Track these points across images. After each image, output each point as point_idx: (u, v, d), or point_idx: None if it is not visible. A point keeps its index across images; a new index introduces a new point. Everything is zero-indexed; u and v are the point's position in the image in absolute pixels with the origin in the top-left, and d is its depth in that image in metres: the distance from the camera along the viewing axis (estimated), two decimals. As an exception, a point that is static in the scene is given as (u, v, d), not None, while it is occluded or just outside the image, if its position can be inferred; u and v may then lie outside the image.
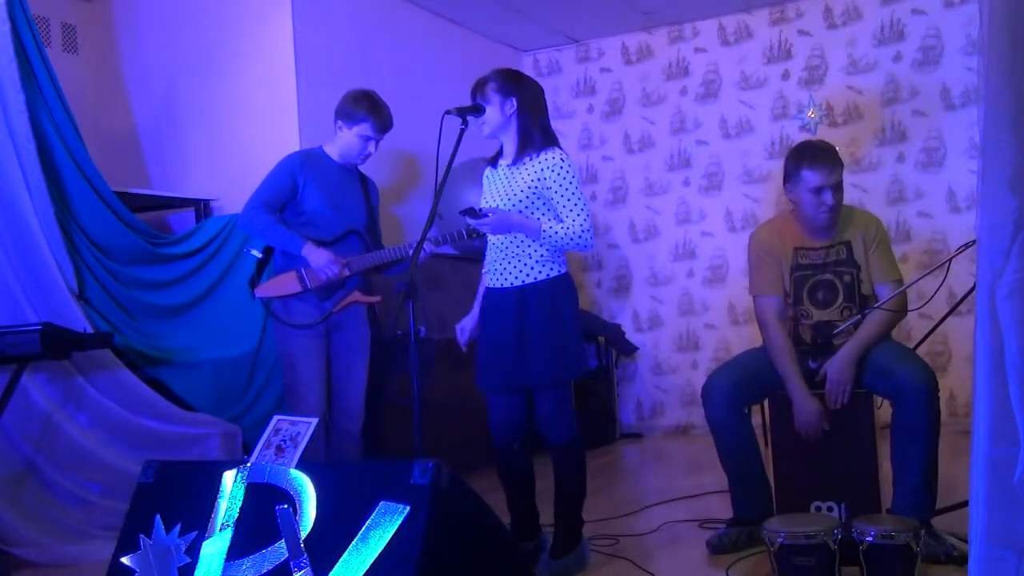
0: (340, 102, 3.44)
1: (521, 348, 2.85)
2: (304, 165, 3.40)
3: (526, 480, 3.04)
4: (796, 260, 3.12)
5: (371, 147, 3.43)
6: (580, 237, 2.83)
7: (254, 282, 3.44)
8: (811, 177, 2.99)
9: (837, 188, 3.01)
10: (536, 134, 2.90)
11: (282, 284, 3.38)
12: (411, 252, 3.28)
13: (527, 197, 2.86)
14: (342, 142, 3.44)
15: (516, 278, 2.90)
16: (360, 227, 3.48)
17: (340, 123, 3.42)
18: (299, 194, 3.39)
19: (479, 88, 2.91)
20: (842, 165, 3.05)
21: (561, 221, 2.85)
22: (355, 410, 3.46)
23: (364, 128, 3.38)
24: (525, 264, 2.89)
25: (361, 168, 3.57)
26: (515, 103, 2.87)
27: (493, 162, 3.04)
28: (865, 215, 3.19)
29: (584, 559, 2.97)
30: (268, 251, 3.48)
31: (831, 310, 3.07)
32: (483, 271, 3.06)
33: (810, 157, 3.02)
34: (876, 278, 3.06)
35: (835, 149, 3.10)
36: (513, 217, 2.83)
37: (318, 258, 3.30)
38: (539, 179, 2.85)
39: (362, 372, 3.49)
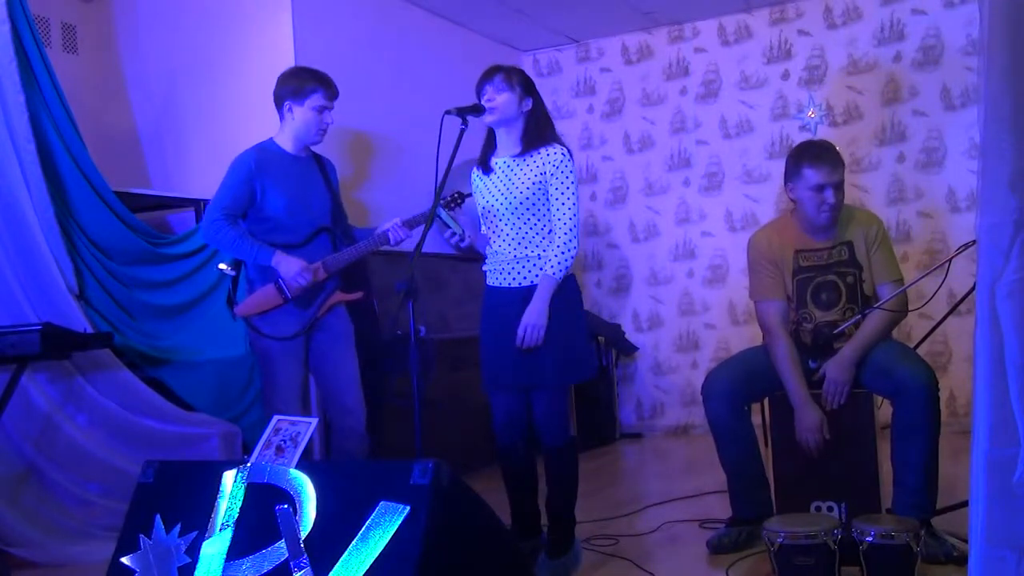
0: (279, 86, 3.32)
1: (529, 348, 2.85)
2: (260, 166, 3.24)
3: (529, 480, 3.04)
4: (797, 263, 3.11)
5: (328, 117, 3.32)
6: (570, 251, 2.85)
7: (231, 300, 3.30)
8: (812, 175, 2.99)
9: (838, 187, 3.00)
10: (548, 132, 2.96)
11: (263, 300, 3.24)
12: (380, 242, 3.25)
13: (533, 194, 2.87)
14: (296, 124, 3.30)
15: (524, 278, 2.90)
16: (328, 221, 3.37)
17: (288, 104, 3.28)
18: (259, 199, 3.25)
19: (504, 73, 2.89)
20: (843, 164, 3.04)
21: (550, 217, 2.88)
22: (355, 407, 3.36)
23: (317, 99, 3.27)
24: (535, 264, 2.89)
25: (315, 149, 3.45)
26: (531, 103, 2.93)
27: (484, 162, 3.02)
28: (866, 215, 3.18)
29: (579, 559, 2.98)
30: (238, 263, 3.35)
31: (834, 311, 3.06)
32: (484, 269, 3.05)
33: (812, 155, 3.01)
34: (877, 278, 3.06)
35: (836, 148, 3.10)
36: (538, 306, 2.80)
37: (289, 268, 3.18)
38: (542, 173, 2.88)
39: (353, 368, 3.38)
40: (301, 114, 3.28)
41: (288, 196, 3.27)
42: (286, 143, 3.33)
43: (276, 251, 3.20)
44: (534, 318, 2.79)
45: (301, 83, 3.27)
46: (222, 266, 3.35)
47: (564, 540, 2.95)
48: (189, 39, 4.66)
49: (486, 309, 3.01)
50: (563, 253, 2.84)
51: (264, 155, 3.29)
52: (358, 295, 3.41)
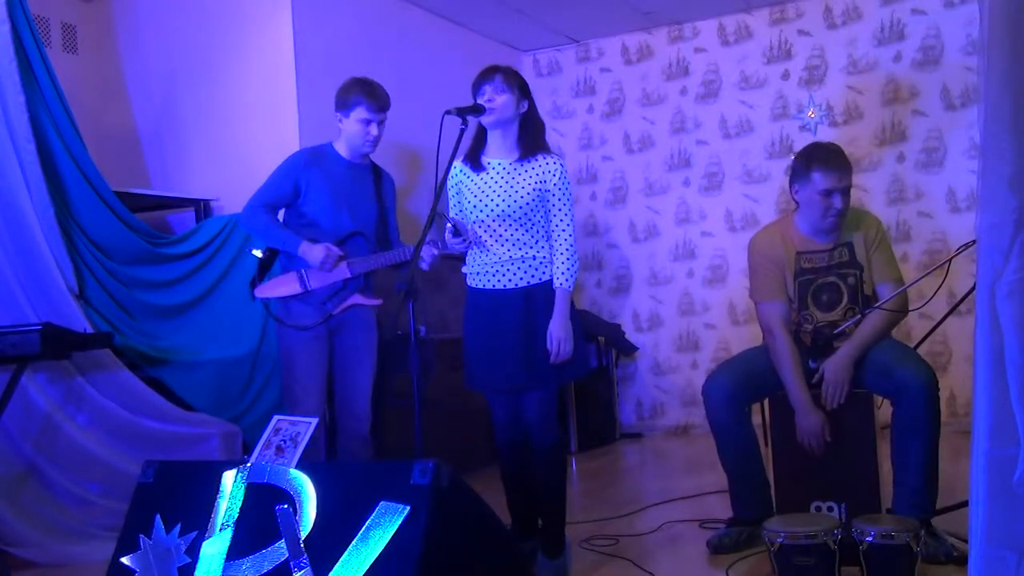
0: (337, 95, 3.42)
1: (530, 348, 2.86)
2: (309, 165, 3.37)
3: (529, 480, 3.04)
4: (799, 264, 3.11)
5: (373, 129, 3.38)
6: (576, 262, 2.93)
7: (254, 282, 3.42)
8: (822, 180, 2.98)
9: (846, 192, 3.00)
10: (542, 137, 3.00)
11: (282, 285, 3.36)
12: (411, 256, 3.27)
13: (533, 200, 2.89)
14: (346, 134, 3.41)
15: (521, 279, 2.90)
16: (367, 228, 3.43)
17: (339, 115, 3.40)
18: (301, 196, 3.36)
19: (503, 74, 2.91)
20: (851, 169, 3.04)
21: (546, 223, 2.93)
22: (361, 412, 3.43)
23: (360, 111, 3.34)
24: (530, 266, 2.91)
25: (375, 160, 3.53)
26: (527, 106, 2.96)
27: (474, 159, 2.99)
28: (866, 215, 3.19)
29: (570, 558, 3.00)
30: (273, 252, 3.45)
31: (835, 312, 3.07)
32: (465, 271, 3.03)
33: (822, 159, 3.00)
34: (877, 278, 3.06)
35: (845, 153, 3.08)
36: (559, 320, 2.86)
37: (313, 254, 3.27)
38: (542, 181, 2.91)
39: (367, 374, 3.46)
40: (347, 125, 3.39)
41: (332, 198, 3.36)
42: (341, 148, 3.45)
43: (303, 241, 3.29)
44: (561, 332, 2.85)
45: (348, 95, 3.37)
46: (256, 252, 3.45)
47: (560, 540, 2.95)
48: (189, 39, 4.66)
49: (475, 311, 2.99)
50: (572, 266, 2.91)
51: (317, 156, 3.41)
52: (377, 301, 3.46)
